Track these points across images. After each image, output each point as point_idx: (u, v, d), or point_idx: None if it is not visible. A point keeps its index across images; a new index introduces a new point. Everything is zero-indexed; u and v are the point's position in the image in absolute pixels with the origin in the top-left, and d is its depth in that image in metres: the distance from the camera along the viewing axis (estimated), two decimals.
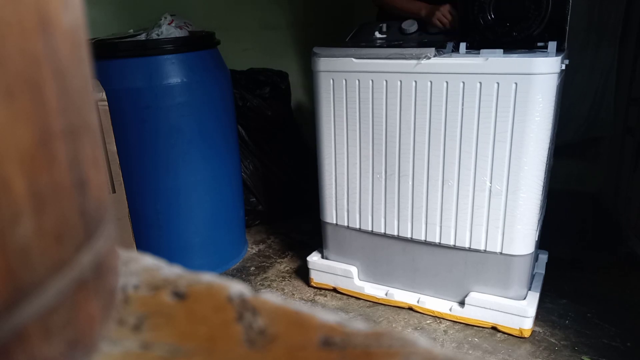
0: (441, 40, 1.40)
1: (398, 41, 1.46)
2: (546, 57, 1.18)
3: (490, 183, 1.30)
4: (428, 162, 1.36)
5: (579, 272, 1.68)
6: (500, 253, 1.34)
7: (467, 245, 1.38)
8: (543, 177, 1.28)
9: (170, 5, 2.09)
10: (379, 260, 1.55)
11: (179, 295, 0.28)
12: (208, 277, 0.29)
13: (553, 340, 1.36)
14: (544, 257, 1.64)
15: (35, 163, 0.20)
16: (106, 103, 1.04)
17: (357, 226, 1.53)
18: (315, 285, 1.67)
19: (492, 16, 1.31)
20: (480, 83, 1.23)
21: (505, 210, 1.30)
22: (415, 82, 1.31)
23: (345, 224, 1.55)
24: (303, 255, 1.75)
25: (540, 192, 1.28)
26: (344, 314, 1.53)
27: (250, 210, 2.04)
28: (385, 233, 1.49)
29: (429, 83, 1.29)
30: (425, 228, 1.42)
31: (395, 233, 1.47)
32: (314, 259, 1.65)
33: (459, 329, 1.43)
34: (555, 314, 1.47)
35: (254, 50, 2.45)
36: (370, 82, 1.36)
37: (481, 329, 1.42)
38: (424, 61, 1.28)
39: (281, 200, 2.12)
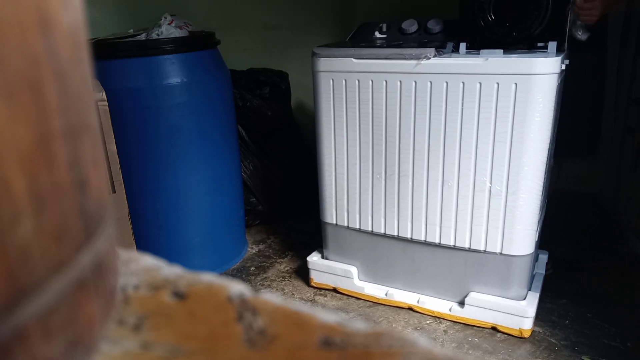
0: (441, 40, 1.39)
1: (398, 41, 1.46)
2: (546, 57, 1.18)
3: (490, 183, 1.30)
4: (428, 162, 1.36)
5: (579, 272, 1.68)
6: (500, 253, 1.34)
7: (467, 246, 1.38)
8: (543, 178, 1.28)
9: (170, 5, 2.09)
10: (378, 260, 1.55)
11: (179, 295, 0.28)
12: (208, 277, 0.29)
13: (553, 340, 1.36)
14: (544, 257, 1.64)
15: (35, 163, 0.20)
16: (106, 103, 1.04)
17: (357, 226, 1.53)
18: (315, 285, 1.67)
19: (492, 16, 1.31)
20: (480, 83, 1.23)
21: (505, 210, 1.30)
22: (415, 82, 1.30)
23: (345, 224, 1.55)
24: (303, 255, 1.75)
25: (540, 193, 1.28)
26: (344, 314, 1.53)
27: (250, 210, 2.04)
28: (385, 233, 1.49)
29: (429, 83, 1.29)
30: (425, 228, 1.42)
31: (395, 233, 1.47)
32: (314, 259, 1.65)
33: (459, 329, 1.43)
34: (555, 314, 1.47)
35: (254, 50, 2.45)
36: (370, 82, 1.36)
37: (481, 329, 1.42)
38: (423, 61, 1.28)
39: (281, 200, 2.12)
